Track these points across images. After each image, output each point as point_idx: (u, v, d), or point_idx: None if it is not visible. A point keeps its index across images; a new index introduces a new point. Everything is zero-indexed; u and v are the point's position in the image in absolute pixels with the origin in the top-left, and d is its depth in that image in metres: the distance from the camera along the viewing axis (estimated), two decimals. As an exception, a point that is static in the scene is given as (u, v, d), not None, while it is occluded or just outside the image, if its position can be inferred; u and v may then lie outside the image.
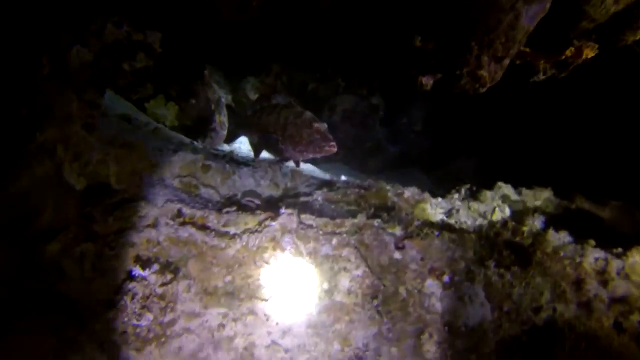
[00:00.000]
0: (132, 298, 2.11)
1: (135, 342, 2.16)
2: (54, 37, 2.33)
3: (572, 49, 2.62)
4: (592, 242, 2.76)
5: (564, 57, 2.66)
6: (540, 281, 2.64)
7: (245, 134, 4.67)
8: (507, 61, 2.37)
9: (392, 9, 2.82)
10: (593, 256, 2.66)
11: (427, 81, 3.19)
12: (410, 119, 6.21)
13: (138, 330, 2.12)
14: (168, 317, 2.29)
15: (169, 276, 2.25)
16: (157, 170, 2.74)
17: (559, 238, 2.78)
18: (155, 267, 2.24)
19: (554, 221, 3.04)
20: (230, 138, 5.27)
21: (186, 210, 2.54)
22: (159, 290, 2.19)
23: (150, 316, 2.13)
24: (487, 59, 2.29)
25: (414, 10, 2.52)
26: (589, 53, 2.73)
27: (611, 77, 3.97)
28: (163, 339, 2.29)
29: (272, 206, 2.91)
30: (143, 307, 2.11)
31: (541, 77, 3.25)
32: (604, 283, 2.58)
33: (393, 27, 2.89)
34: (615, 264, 2.60)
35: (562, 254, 2.68)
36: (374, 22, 3.54)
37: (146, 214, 2.41)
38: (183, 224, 2.49)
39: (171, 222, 2.46)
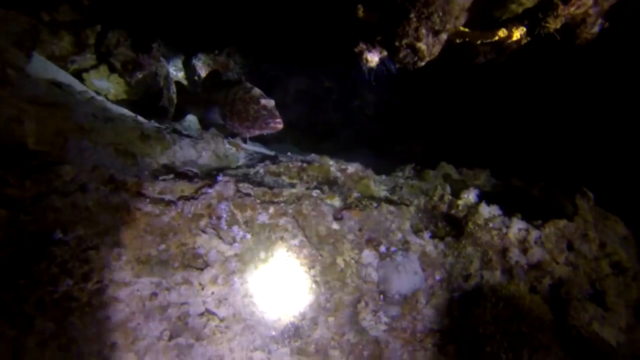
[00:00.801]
0: (50, 262, 1.99)
1: (54, 312, 2.05)
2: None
3: (504, 29, 2.73)
4: (519, 215, 2.93)
5: (497, 37, 2.77)
6: (471, 251, 2.77)
7: (194, 111, 4.55)
8: (444, 35, 2.43)
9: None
10: (517, 227, 2.82)
11: (372, 57, 3.22)
12: (363, 102, 6.27)
13: (56, 297, 2.01)
14: (94, 285, 2.19)
15: (95, 241, 2.15)
16: (88, 136, 2.60)
17: (489, 211, 2.92)
18: (80, 231, 2.13)
19: (488, 197, 3.19)
20: (179, 115, 5.11)
21: (119, 176, 2.43)
22: (82, 256, 2.09)
23: (69, 281, 2.02)
24: (425, 31, 2.34)
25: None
26: (517, 35, 2.86)
27: (542, 63, 4.19)
28: (87, 309, 2.19)
29: (211, 175, 2.85)
30: (62, 271, 2.00)
31: (481, 60, 3.38)
32: (524, 251, 2.75)
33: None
34: (534, 234, 2.78)
35: (491, 225, 2.82)
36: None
37: (73, 178, 2.28)
38: (115, 189, 2.39)
39: (102, 187, 2.35)
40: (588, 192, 3.24)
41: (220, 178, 2.57)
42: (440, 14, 2.31)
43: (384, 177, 3.71)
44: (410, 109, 6.19)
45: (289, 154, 4.10)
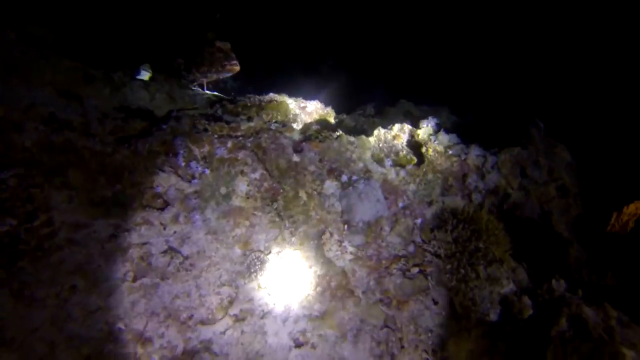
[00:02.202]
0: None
1: None
2: None
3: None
4: (476, 143, 3.00)
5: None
6: (432, 177, 2.82)
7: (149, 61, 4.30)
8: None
9: None
10: (475, 153, 2.89)
11: None
12: (322, 54, 6.12)
13: None
14: (42, 227, 2.08)
15: (38, 180, 2.02)
16: (18, 73, 2.39)
17: (449, 139, 2.97)
18: (18, 169, 1.99)
19: (446, 128, 3.24)
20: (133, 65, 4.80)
21: (61, 115, 2.27)
22: (24, 194, 1.96)
23: (12, 221, 1.90)
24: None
25: None
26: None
27: None
28: (39, 253, 2.09)
29: (165, 114, 2.72)
30: (1, 210, 1.87)
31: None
32: (482, 176, 2.84)
33: None
34: (490, 160, 2.86)
35: (450, 152, 2.87)
36: None
37: (3, 117, 2.10)
38: (58, 129, 2.23)
39: (41, 127, 2.19)
40: (539, 122, 3.36)
41: (174, 113, 2.45)
42: None
43: (344, 115, 3.69)
44: (368, 54, 6.10)
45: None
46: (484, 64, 4.89)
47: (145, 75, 5.34)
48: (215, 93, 4.04)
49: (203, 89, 3.88)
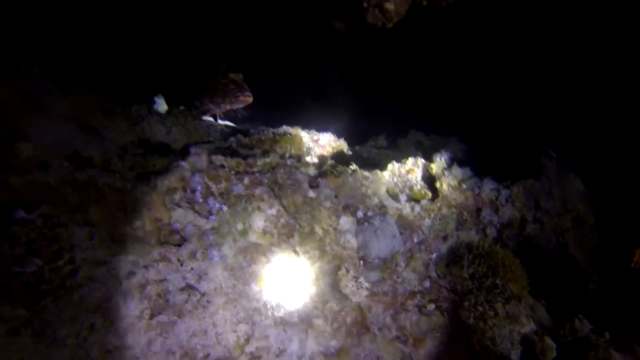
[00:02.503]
0: (14, 243, 1.88)
1: (24, 297, 1.95)
2: None
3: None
4: (489, 175, 3.02)
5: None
6: (447, 212, 2.83)
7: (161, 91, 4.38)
8: (409, -6, 2.42)
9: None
10: (488, 187, 2.90)
11: (340, 26, 3.19)
12: (331, 75, 6.21)
13: (25, 280, 1.91)
14: (66, 265, 2.10)
15: (63, 218, 2.05)
16: (45, 111, 2.45)
17: (462, 173, 2.99)
18: (44, 208, 2.02)
19: (458, 159, 3.27)
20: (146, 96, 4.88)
21: (84, 152, 2.31)
22: (50, 234, 1.99)
23: (39, 261, 1.92)
24: (392, -9, 2.32)
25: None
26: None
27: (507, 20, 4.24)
28: (61, 291, 2.10)
29: (183, 150, 2.76)
30: (29, 251, 1.90)
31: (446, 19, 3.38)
32: (496, 210, 2.85)
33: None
34: (504, 193, 2.88)
35: (464, 186, 2.89)
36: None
37: (31, 156, 2.15)
38: (81, 166, 2.27)
39: (65, 164, 2.23)
40: (551, 152, 3.38)
41: (192, 150, 2.49)
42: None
43: (357, 147, 3.73)
44: (377, 80, 6.19)
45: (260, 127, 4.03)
46: (494, 91, 4.94)
47: (160, 104, 5.41)
48: (228, 123, 4.11)
49: (216, 119, 3.95)
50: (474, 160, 3.57)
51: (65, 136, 2.40)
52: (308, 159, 3.10)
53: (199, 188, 2.43)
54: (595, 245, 3.18)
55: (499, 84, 4.83)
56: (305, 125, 6.30)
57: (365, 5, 2.36)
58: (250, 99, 3.67)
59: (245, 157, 2.62)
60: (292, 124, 3.64)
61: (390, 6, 2.34)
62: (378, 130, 5.64)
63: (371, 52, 5.67)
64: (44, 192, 2.07)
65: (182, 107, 3.79)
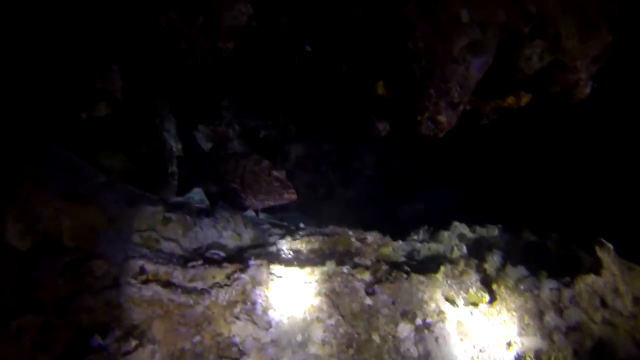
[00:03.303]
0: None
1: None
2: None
3: (512, 97, 2.90)
4: (545, 273, 2.94)
5: (507, 104, 2.93)
6: (507, 316, 2.73)
7: (201, 185, 4.55)
8: (461, 107, 2.57)
9: (351, 59, 2.96)
10: (548, 287, 2.82)
11: (384, 127, 3.36)
12: (363, 163, 6.39)
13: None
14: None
15: (133, 343, 2.05)
16: (114, 225, 2.57)
17: (517, 272, 2.93)
18: (117, 333, 2.04)
19: (509, 255, 3.21)
20: (184, 189, 5.09)
21: (149, 267, 2.38)
22: None
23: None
24: (444, 105, 2.47)
25: (373, 62, 2.69)
26: (525, 100, 3.04)
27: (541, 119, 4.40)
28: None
29: (238, 257, 2.81)
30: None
31: (485, 121, 3.54)
32: (560, 312, 2.73)
33: (351, 75, 3.04)
34: (566, 293, 2.77)
35: (522, 287, 2.81)
36: (326, 69, 3.67)
37: (104, 274, 2.22)
38: (146, 282, 2.33)
39: (133, 281, 2.29)
40: (606, 242, 3.24)
41: (251, 262, 2.54)
42: (458, 89, 2.45)
43: (400, 242, 3.72)
44: (410, 167, 6.34)
45: (301, 224, 4.10)
46: (531, 178, 4.98)
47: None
48: (271, 221, 4.19)
49: (257, 215, 4.04)
50: (523, 254, 3.51)
51: (132, 251, 2.49)
52: (357, 259, 3.11)
53: (260, 301, 2.43)
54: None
55: (541, 173, 4.89)
56: (335, 212, 6.38)
57: (419, 118, 2.50)
58: (294, 197, 3.76)
59: (302, 266, 2.64)
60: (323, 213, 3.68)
61: (443, 118, 2.48)
62: (411, 217, 5.68)
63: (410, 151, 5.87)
64: (116, 313, 2.10)
65: (224, 205, 3.91)
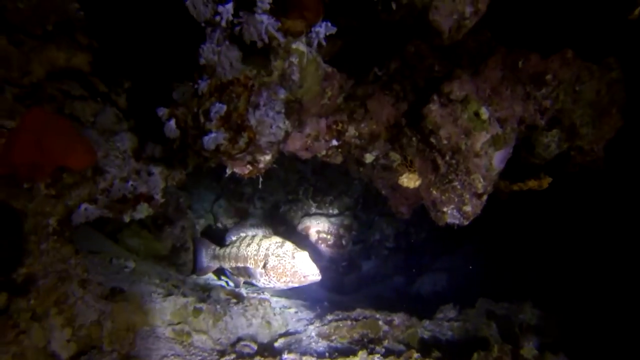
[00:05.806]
0: None
1: None
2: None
3: (534, 180, 3.00)
4: (587, 361, 2.84)
5: (527, 187, 3.02)
6: (549, 410, 2.61)
7: (223, 265, 4.57)
8: (486, 196, 2.66)
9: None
10: (593, 378, 2.71)
11: (407, 211, 3.45)
12: (383, 235, 6.42)
13: None
14: None
15: None
16: (148, 320, 2.61)
17: (557, 360, 2.83)
18: None
19: (543, 334, 3.14)
20: (204, 269, 5.11)
21: (183, 369, 2.38)
22: None
23: None
24: (469, 196, 2.56)
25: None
26: (546, 183, 3.13)
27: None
28: None
29: (270, 350, 2.79)
30: None
31: (505, 197, 3.63)
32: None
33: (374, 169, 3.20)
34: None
35: (564, 379, 2.71)
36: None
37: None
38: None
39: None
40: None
41: (285, 357, 2.52)
42: (482, 180, 2.55)
43: (427, 322, 3.65)
44: (429, 239, 6.34)
45: (325, 303, 4.08)
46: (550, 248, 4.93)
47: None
48: (296, 302, 4.17)
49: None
50: (558, 334, 3.41)
51: (165, 349, 2.50)
52: (387, 343, 3.06)
53: (296, 400, 2.39)
54: None
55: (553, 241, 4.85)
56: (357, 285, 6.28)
57: (445, 209, 2.58)
58: (318, 279, 3.77)
59: (334, 357, 2.61)
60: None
61: (468, 208, 2.56)
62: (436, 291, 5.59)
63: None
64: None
65: (248, 287, 3.93)
